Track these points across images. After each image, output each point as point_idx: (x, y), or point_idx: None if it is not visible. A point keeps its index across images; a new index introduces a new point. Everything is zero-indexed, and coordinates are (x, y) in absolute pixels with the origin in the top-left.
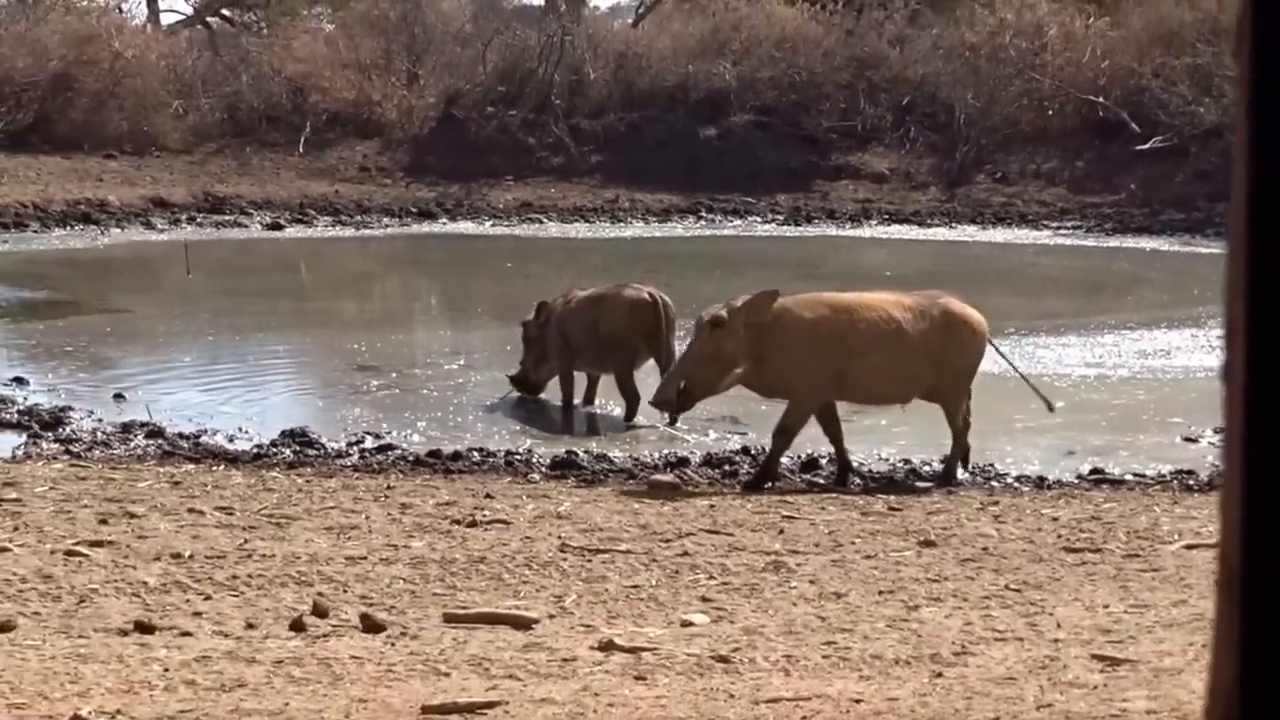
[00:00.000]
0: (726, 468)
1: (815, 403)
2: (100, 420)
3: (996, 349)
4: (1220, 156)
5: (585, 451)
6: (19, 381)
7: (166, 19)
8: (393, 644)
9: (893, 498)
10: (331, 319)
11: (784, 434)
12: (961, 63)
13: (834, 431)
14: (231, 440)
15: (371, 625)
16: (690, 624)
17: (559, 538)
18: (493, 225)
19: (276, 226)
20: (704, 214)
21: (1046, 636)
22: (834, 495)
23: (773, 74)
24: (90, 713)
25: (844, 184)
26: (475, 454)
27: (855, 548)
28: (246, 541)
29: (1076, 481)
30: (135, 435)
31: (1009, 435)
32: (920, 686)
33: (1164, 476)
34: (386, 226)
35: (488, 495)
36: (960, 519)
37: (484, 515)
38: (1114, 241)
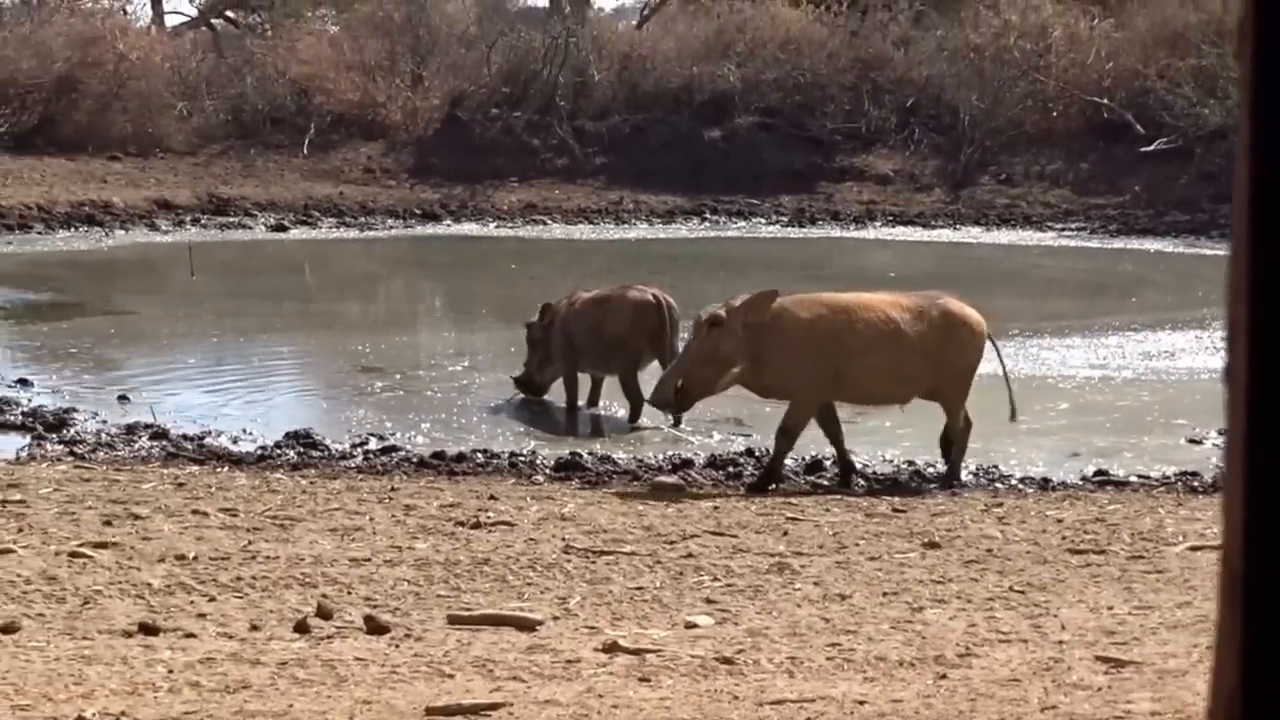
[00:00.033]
0: (730, 469)
1: (815, 403)
2: (104, 422)
3: (995, 347)
4: (1225, 158)
5: (589, 453)
6: (23, 383)
7: (171, 21)
8: (397, 645)
9: (897, 499)
10: (336, 320)
11: (786, 435)
12: (966, 64)
13: (834, 433)
14: (236, 442)
15: (376, 627)
16: (694, 625)
17: (563, 539)
18: (497, 227)
19: (281, 228)
20: (708, 215)
21: (1051, 638)
22: (838, 497)
23: (777, 76)
24: (94, 714)
25: (848, 185)
26: (479, 455)
27: (859, 549)
28: (251, 543)
29: (1081, 483)
30: (139, 437)
31: (1013, 437)
32: (924, 688)
33: (1168, 478)
34: (391, 228)
35: (492, 497)
36: (964, 521)
37: (488, 517)
38: (1118, 243)
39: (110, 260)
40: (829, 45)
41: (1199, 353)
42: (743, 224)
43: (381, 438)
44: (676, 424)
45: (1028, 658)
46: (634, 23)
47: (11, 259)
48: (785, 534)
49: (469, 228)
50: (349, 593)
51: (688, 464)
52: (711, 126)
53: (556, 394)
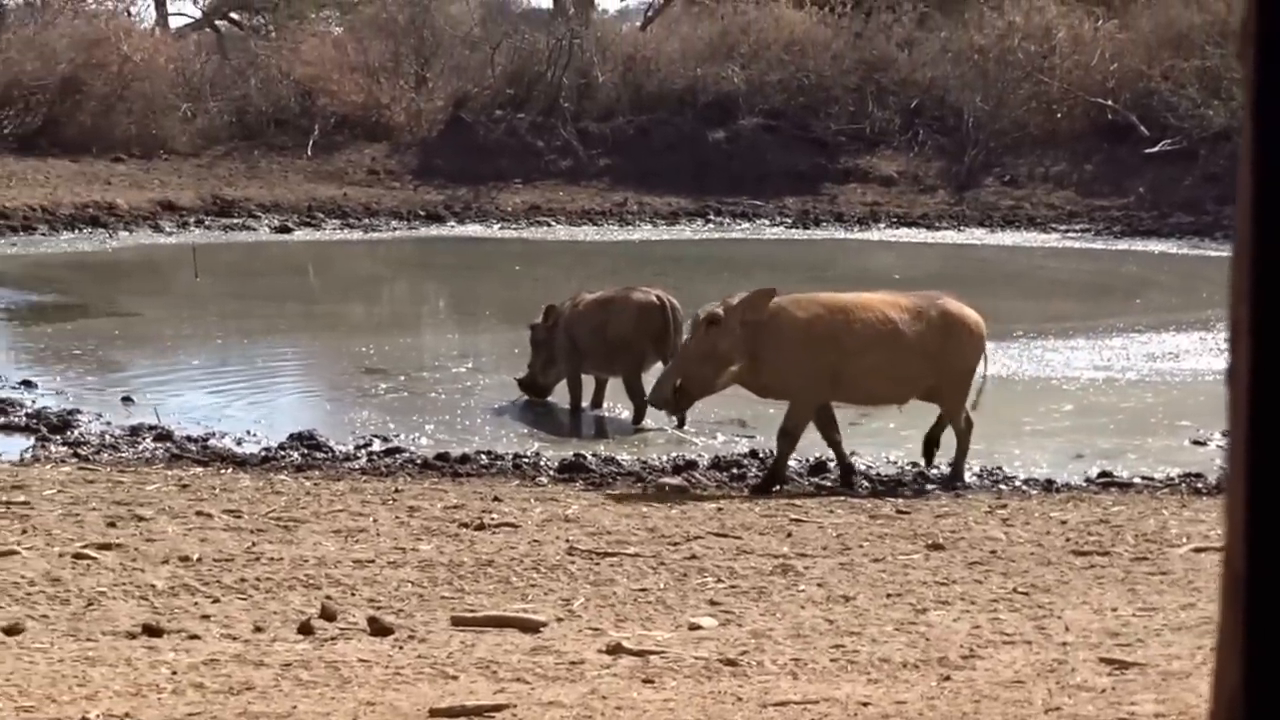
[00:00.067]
0: (734, 471)
1: (814, 402)
2: (108, 423)
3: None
4: (1229, 159)
5: (593, 455)
6: (27, 384)
7: (175, 22)
8: (400, 647)
9: (901, 501)
10: (339, 322)
11: (787, 436)
12: (970, 66)
13: (831, 435)
14: (239, 443)
15: (379, 628)
16: (698, 627)
17: (567, 541)
18: (501, 228)
19: (285, 230)
20: (712, 217)
21: (1054, 640)
22: (842, 498)
23: (781, 77)
24: (98, 715)
25: (852, 187)
26: (483, 457)
27: (863, 551)
28: (254, 544)
29: (1085, 485)
30: (143, 438)
31: (1017, 438)
32: (928, 690)
33: (1172, 480)
34: (394, 229)
35: (496, 498)
36: (968, 522)
37: (492, 518)
38: (1123, 244)
39: (114, 262)
40: (833, 47)
41: (1203, 354)
42: (747, 225)
43: (385, 439)
44: (680, 425)
45: (1032, 659)
46: (638, 24)
47: (16, 260)
48: (789, 535)
49: (473, 229)
50: (353, 594)
51: (692, 465)
52: (715, 128)
53: (560, 395)
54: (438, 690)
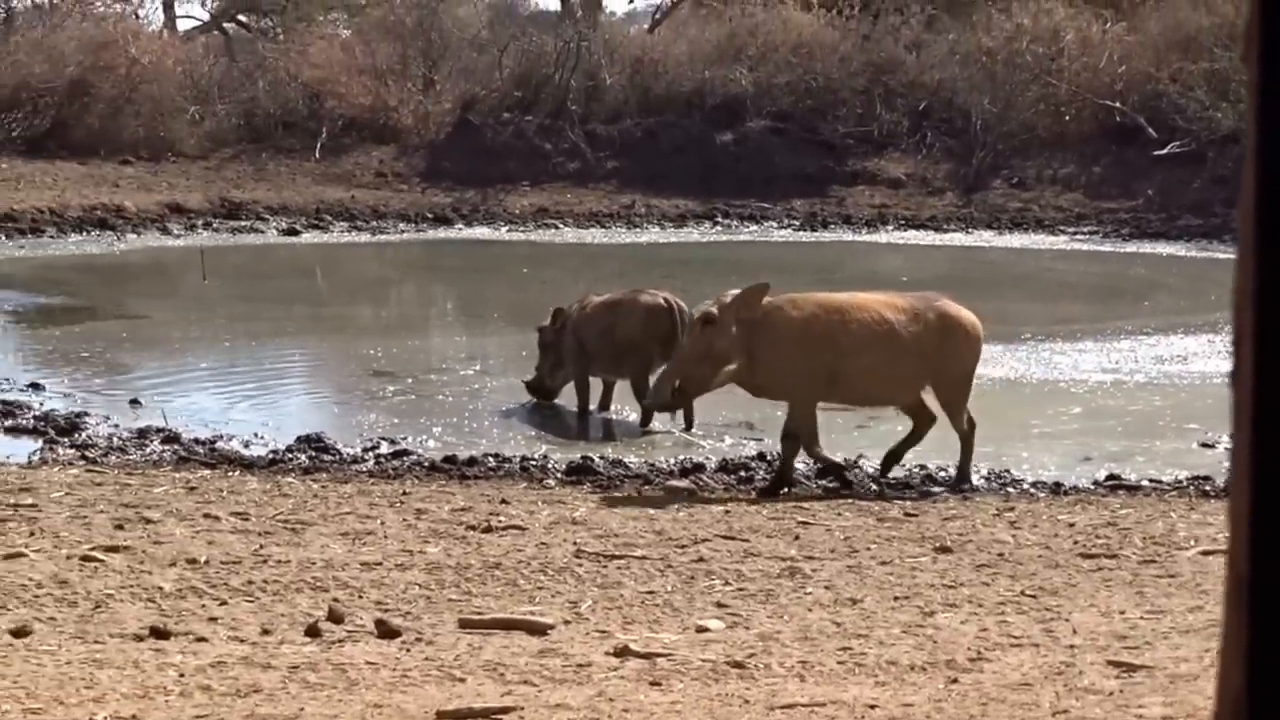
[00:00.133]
0: (742, 473)
1: (812, 401)
2: (116, 426)
3: None
4: (1238, 162)
5: (601, 457)
6: (35, 387)
7: (183, 25)
8: (408, 649)
9: (908, 504)
10: (347, 324)
11: (791, 438)
12: (978, 68)
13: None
14: (247, 446)
15: (387, 631)
16: (705, 630)
17: (574, 543)
18: (509, 231)
19: (293, 232)
20: (720, 219)
21: (1062, 642)
22: (850, 501)
23: (789, 79)
24: (106, 718)
25: (860, 189)
26: (491, 460)
27: (871, 553)
28: (262, 547)
29: (1093, 487)
30: (151, 441)
31: (1025, 441)
32: (935, 692)
33: (1180, 482)
34: (402, 232)
35: (503, 501)
36: (976, 525)
37: (499, 521)
38: (1131, 247)
39: (122, 264)
40: (841, 49)
41: (1211, 357)
42: (754, 228)
43: (393, 442)
44: (688, 428)
45: (1039, 662)
46: (646, 26)
47: (24, 263)
48: (796, 538)
49: (481, 232)
50: (360, 597)
51: (699, 468)
52: (723, 130)
53: (568, 398)
54: (445, 692)
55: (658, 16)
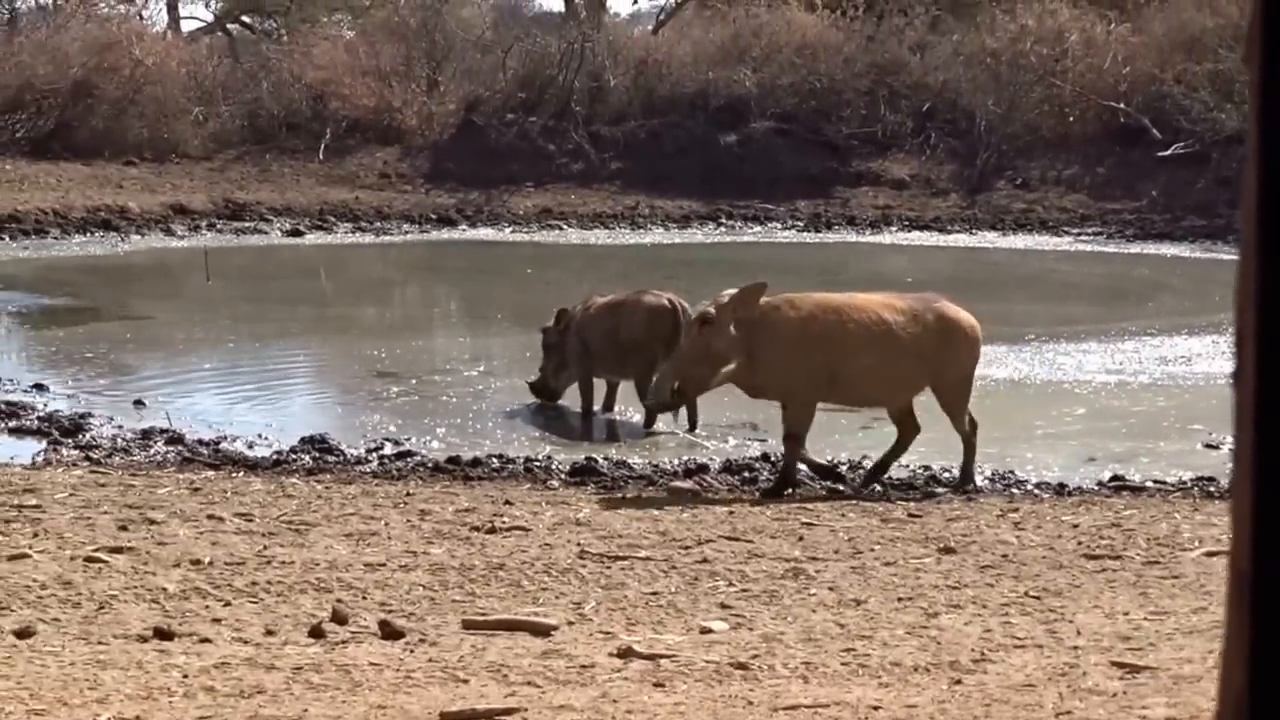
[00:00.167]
0: (746, 474)
1: (812, 401)
2: (120, 427)
3: None
4: (1242, 163)
5: (604, 458)
6: (39, 388)
7: (187, 26)
8: (411, 651)
9: (912, 504)
10: (351, 325)
11: (793, 439)
12: (982, 69)
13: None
14: (251, 447)
15: (390, 632)
16: (709, 631)
17: (578, 544)
18: (513, 232)
19: (296, 233)
20: (724, 220)
21: (1066, 644)
22: (853, 502)
23: (793, 80)
24: (109, 719)
25: (864, 190)
26: (494, 460)
27: (875, 554)
28: (266, 548)
29: (1097, 488)
30: (155, 442)
31: (1029, 442)
32: (939, 694)
33: (1185, 483)
34: (406, 233)
35: (507, 502)
36: (980, 526)
37: (503, 522)
38: (1135, 248)
39: (126, 265)
40: (845, 50)
41: (1215, 358)
42: (758, 229)
43: (397, 443)
44: (692, 429)
45: (1043, 663)
46: (650, 28)
47: (28, 264)
48: (800, 539)
49: (485, 233)
50: (364, 598)
51: (703, 469)
52: (727, 131)
53: (571, 399)
54: (448, 694)
55: (661, 17)
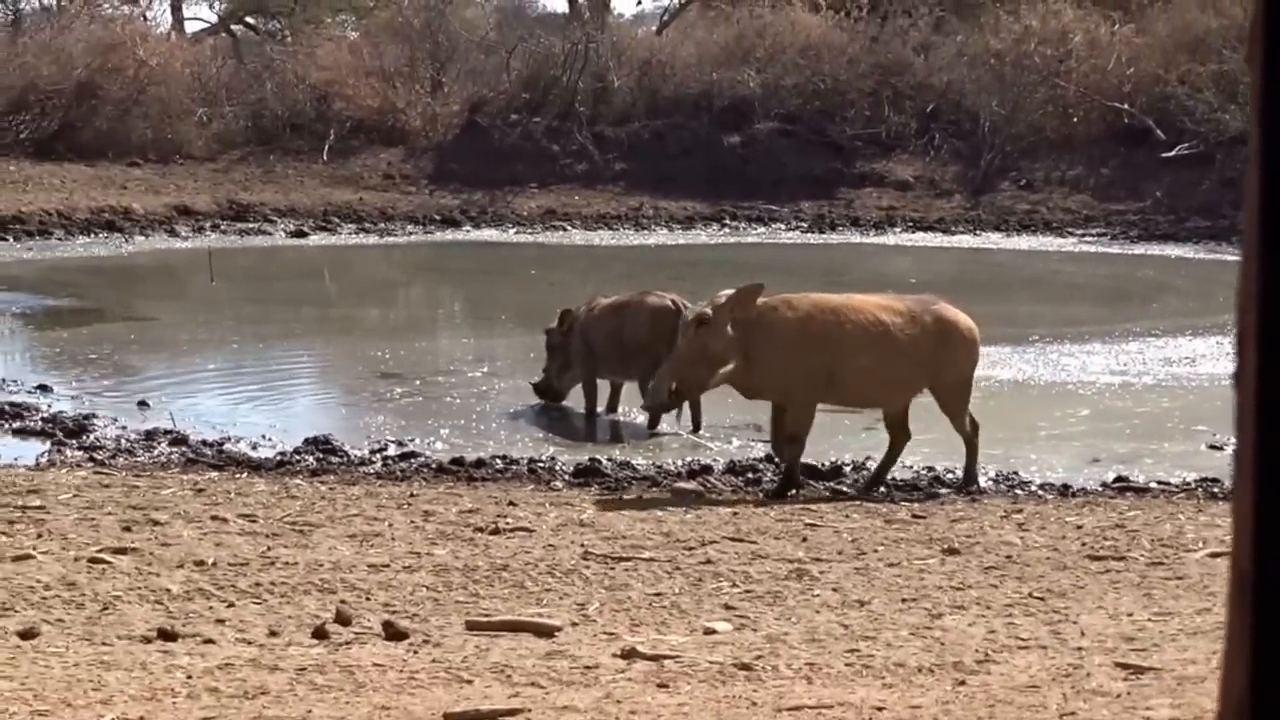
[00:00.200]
0: (749, 475)
1: (811, 401)
2: (124, 428)
3: None
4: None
5: (608, 459)
6: (43, 389)
7: (191, 27)
8: (415, 651)
9: (916, 505)
10: (355, 326)
11: (793, 441)
12: (986, 70)
13: (776, 433)
14: (255, 447)
15: (394, 633)
16: (713, 631)
17: (582, 545)
18: (516, 233)
19: (300, 234)
20: (728, 221)
21: (1070, 644)
22: (857, 503)
23: (797, 81)
24: None
25: (868, 191)
26: (498, 461)
27: (878, 555)
28: (269, 549)
29: (1101, 489)
30: (159, 442)
31: (1033, 442)
32: (943, 695)
33: (1189, 484)
34: (410, 234)
35: (511, 503)
36: (984, 527)
37: (507, 523)
38: (1139, 249)
39: (130, 266)
40: (849, 51)
41: (1219, 359)
42: (762, 230)
43: (400, 443)
44: (696, 429)
45: (1047, 664)
46: (653, 28)
47: (32, 265)
48: (804, 540)
49: (488, 234)
50: (367, 599)
51: (707, 470)
52: (731, 132)
53: (575, 400)
54: (452, 694)
55: (665, 18)
